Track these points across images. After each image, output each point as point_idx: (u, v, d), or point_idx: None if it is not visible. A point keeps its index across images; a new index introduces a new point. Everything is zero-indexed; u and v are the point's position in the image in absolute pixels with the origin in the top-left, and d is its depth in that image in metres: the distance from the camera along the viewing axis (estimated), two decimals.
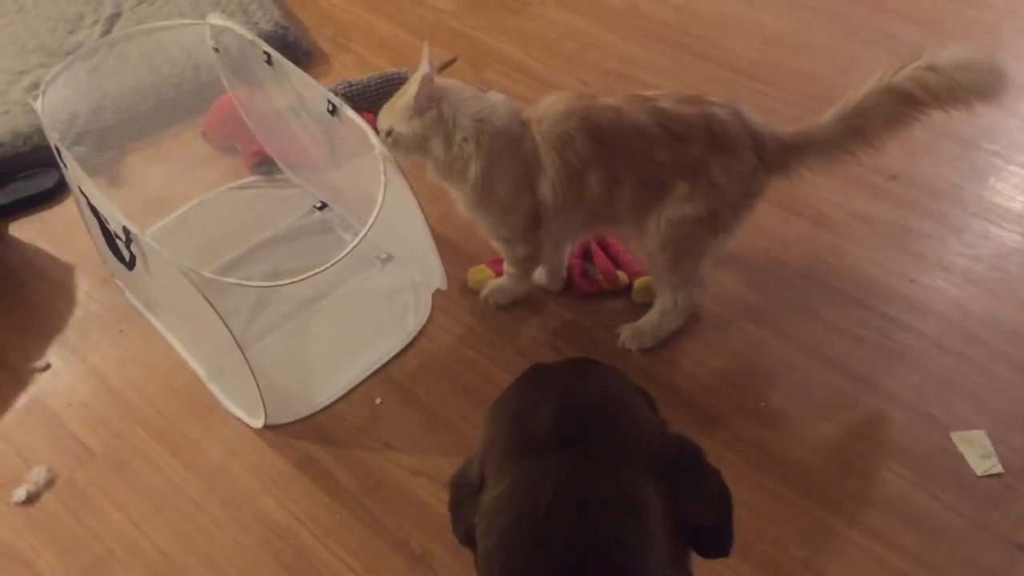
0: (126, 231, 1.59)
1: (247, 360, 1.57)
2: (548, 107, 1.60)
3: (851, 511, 1.52)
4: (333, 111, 1.73)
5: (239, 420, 1.75)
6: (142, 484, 1.68)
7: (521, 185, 1.63)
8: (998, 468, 1.56)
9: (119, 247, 1.68)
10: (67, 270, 2.08)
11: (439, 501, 1.59)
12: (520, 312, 1.89)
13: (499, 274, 1.90)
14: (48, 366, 1.90)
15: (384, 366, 1.82)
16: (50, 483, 1.70)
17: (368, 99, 2.35)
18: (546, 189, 1.61)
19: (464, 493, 1.03)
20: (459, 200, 1.72)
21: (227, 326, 1.52)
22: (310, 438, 1.72)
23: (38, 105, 1.77)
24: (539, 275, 1.89)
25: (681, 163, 1.57)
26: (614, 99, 1.59)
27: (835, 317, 1.82)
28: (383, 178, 1.60)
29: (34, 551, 1.61)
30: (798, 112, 2.26)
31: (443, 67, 2.47)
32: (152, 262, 1.63)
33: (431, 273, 1.88)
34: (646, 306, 1.82)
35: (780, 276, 1.91)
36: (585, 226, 1.73)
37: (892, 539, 1.48)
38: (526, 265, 1.81)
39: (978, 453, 1.58)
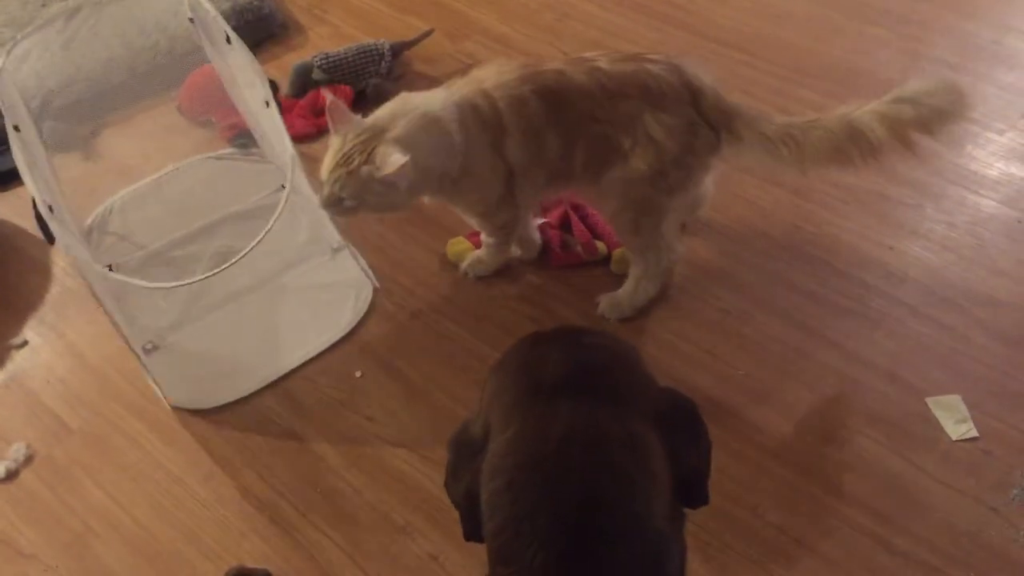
0: (50, 208, 1.58)
1: (140, 358, 1.60)
2: (500, 75, 1.63)
3: (828, 477, 1.53)
4: (268, 105, 1.72)
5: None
6: (121, 460, 1.68)
7: (493, 154, 1.64)
8: (973, 432, 1.58)
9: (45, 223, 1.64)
10: (43, 247, 2.06)
11: (420, 473, 1.60)
12: (500, 284, 1.89)
13: (477, 246, 1.90)
14: (25, 343, 1.88)
15: (334, 346, 1.81)
16: (29, 460, 1.70)
17: (345, 71, 2.33)
18: (513, 149, 1.63)
19: (464, 453, 1.06)
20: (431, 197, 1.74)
21: (125, 336, 1.58)
22: (291, 413, 1.71)
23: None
24: (513, 248, 1.89)
25: (618, 118, 1.60)
26: (557, 62, 1.64)
27: (813, 285, 1.83)
28: (288, 185, 1.65)
29: (14, 527, 1.61)
30: (777, 82, 2.27)
31: (419, 39, 2.45)
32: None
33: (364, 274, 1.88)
34: (625, 276, 1.82)
35: (758, 245, 1.91)
36: (549, 185, 1.73)
37: (868, 504, 1.50)
38: (506, 231, 1.80)
39: (954, 418, 1.59)
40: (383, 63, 2.35)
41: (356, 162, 1.53)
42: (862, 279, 1.84)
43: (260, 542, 1.54)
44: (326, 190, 1.58)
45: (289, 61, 2.45)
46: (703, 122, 1.60)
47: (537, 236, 1.90)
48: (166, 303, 1.84)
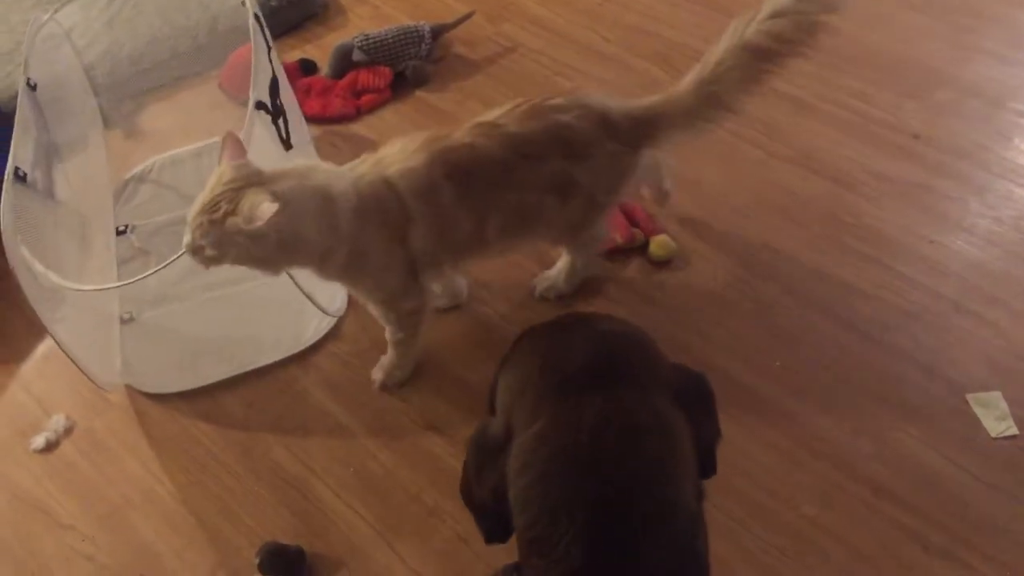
0: (22, 175, 1.61)
1: (58, 341, 1.55)
2: (405, 158, 1.50)
3: (863, 471, 1.52)
4: (258, 105, 1.66)
5: (256, 375, 1.76)
6: (159, 434, 1.70)
7: (393, 247, 1.52)
8: (1013, 430, 1.55)
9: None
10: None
11: (451, 456, 1.60)
12: (536, 271, 1.88)
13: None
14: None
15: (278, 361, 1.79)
16: (68, 431, 1.72)
17: (385, 52, 2.33)
18: (418, 238, 1.52)
19: (487, 453, 1.07)
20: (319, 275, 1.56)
21: (52, 335, 1.53)
22: (324, 393, 1.73)
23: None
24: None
25: (543, 181, 1.55)
26: (463, 133, 1.52)
27: (851, 277, 1.81)
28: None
29: (52, 497, 1.63)
30: (818, 69, 2.24)
31: (459, 21, 2.45)
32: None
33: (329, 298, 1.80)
34: (663, 263, 1.82)
35: (797, 235, 1.89)
36: (457, 262, 1.65)
37: (904, 499, 1.48)
38: (413, 320, 1.65)
39: (993, 415, 1.57)
40: (423, 45, 2.35)
41: (222, 210, 1.33)
42: (902, 272, 1.81)
43: (293, 518, 1.55)
44: (187, 236, 1.38)
45: (330, 42, 2.45)
46: (624, 148, 1.58)
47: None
48: (155, 278, 1.75)
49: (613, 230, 1.88)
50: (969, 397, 1.60)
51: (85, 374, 1.62)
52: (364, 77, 2.33)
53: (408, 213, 1.50)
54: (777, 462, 1.54)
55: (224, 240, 1.34)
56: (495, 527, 1.13)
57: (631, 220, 1.90)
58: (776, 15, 1.52)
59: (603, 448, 0.98)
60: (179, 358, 1.83)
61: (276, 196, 1.32)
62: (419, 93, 2.34)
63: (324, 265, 1.49)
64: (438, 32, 2.40)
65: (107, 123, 2.20)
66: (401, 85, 2.35)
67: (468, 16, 2.46)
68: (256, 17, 1.77)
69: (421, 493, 1.56)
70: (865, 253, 1.85)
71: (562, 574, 0.96)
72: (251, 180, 1.35)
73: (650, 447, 0.99)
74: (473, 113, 2.19)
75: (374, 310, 1.65)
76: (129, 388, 1.77)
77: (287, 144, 1.78)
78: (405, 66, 2.35)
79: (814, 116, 2.14)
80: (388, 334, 1.67)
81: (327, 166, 1.51)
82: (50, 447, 1.71)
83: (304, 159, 1.83)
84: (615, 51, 2.38)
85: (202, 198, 1.36)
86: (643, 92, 2.21)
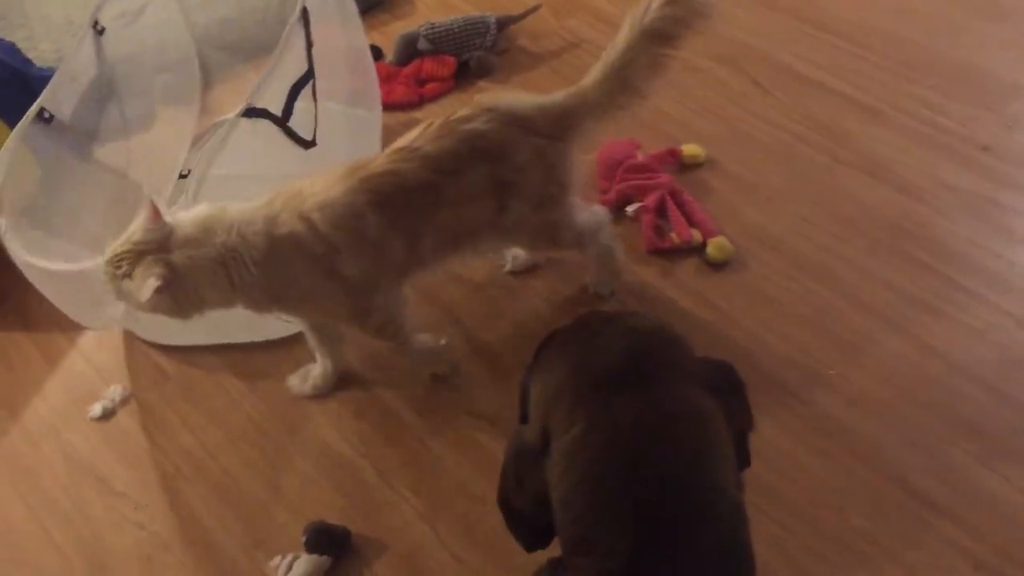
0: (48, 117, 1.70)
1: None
2: (326, 190, 1.49)
3: (917, 485, 1.49)
4: (250, 112, 1.67)
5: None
6: (213, 409, 1.73)
7: (320, 276, 1.51)
8: None
9: None
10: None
11: (499, 446, 1.58)
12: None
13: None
14: None
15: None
16: (125, 401, 1.76)
17: (450, 42, 2.34)
18: (348, 266, 1.51)
19: (526, 460, 1.08)
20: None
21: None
22: (375, 375, 1.74)
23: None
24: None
25: (474, 191, 1.54)
26: (382, 160, 1.51)
27: (912, 288, 1.77)
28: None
29: (107, 465, 1.67)
30: (887, 77, 2.20)
31: (525, 14, 2.45)
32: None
33: None
34: (721, 264, 1.80)
35: (859, 243, 1.86)
36: (396, 284, 1.62)
37: (959, 516, 1.45)
38: (390, 329, 1.64)
39: None
40: (488, 36, 2.36)
41: (122, 269, 1.41)
42: (965, 285, 1.77)
43: (341, 499, 1.57)
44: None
45: (395, 29, 2.47)
46: (546, 140, 1.56)
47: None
48: None
49: (668, 228, 1.87)
50: None
51: (63, 311, 1.70)
52: (428, 66, 2.34)
53: (332, 245, 1.48)
54: (827, 470, 1.52)
55: (123, 295, 1.44)
56: (536, 534, 1.14)
57: (690, 220, 1.89)
58: (670, 2, 1.55)
59: (642, 445, 0.99)
60: None
61: (167, 270, 1.38)
62: (482, 84, 2.35)
63: (247, 305, 1.52)
64: (504, 24, 2.41)
65: (176, 99, 2.23)
66: (464, 75, 2.36)
67: (535, 9, 2.46)
68: (304, 11, 1.77)
69: (468, 481, 1.57)
70: (929, 264, 1.81)
71: (609, 571, 0.97)
72: (153, 246, 1.41)
73: (687, 439, 1.00)
74: None
75: (349, 329, 1.68)
76: (184, 362, 1.80)
77: (306, 143, 1.79)
78: (469, 56, 2.36)
79: (883, 124, 2.10)
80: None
81: (238, 210, 1.47)
82: (107, 416, 1.74)
83: (320, 162, 1.78)
84: (681, 52, 2.36)
85: (112, 248, 1.43)
86: (707, 94, 2.22)
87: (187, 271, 1.41)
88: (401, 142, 1.54)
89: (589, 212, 1.72)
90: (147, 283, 1.37)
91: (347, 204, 1.48)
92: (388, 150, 1.54)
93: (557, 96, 1.60)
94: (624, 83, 1.58)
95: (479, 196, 1.56)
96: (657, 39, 1.57)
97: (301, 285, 1.52)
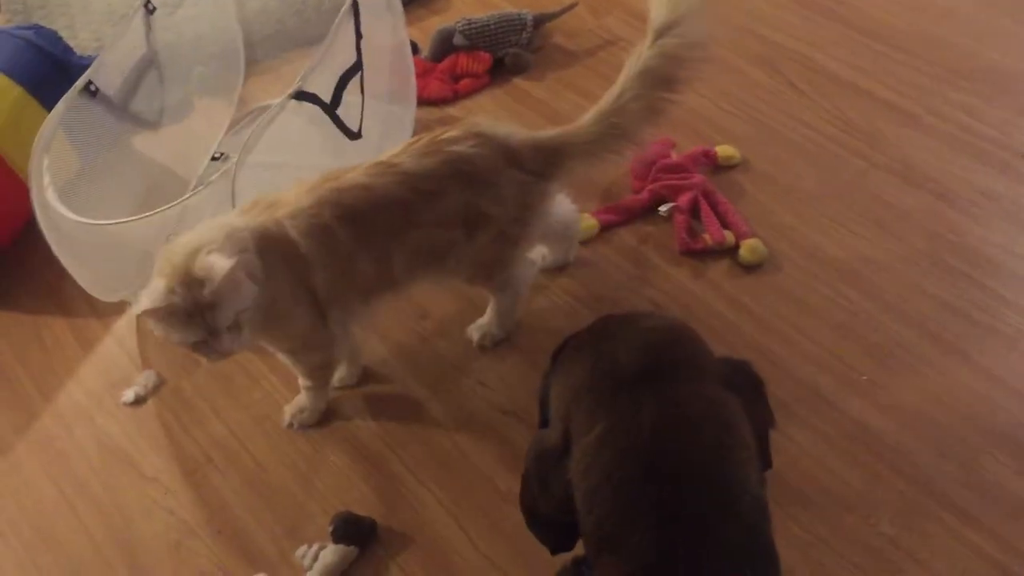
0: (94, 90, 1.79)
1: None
2: (296, 199, 1.47)
3: (949, 495, 1.48)
4: (300, 96, 1.68)
5: None
6: (244, 398, 1.74)
7: (298, 285, 1.49)
8: None
9: None
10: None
11: (526, 442, 1.59)
12: (627, 268, 1.87)
13: (603, 223, 1.89)
14: None
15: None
16: (157, 388, 1.78)
17: (486, 38, 2.35)
18: (318, 280, 1.50)
19: (548, 462, 1.09)
20: None
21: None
22: (404, 370, 1.75)
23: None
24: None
25: (449, 215, 1.52)
26: (357, 173, 1.49)
27: (949, 296, 1.75)
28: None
29: (138, 450, 1.69)
30: (929, 82, 2.18)
31: (562, 12, 2.44)
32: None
33: None
34: (754, 267, 1.80)
35: (894, 248, 1.84)
36: (365, 304, 1.60)
37: (990, 528, 1.43)
38: (324, 372, 1.65)
39: None
40: (524, 33, 2.36)
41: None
42: (1002, 295, 1.75)
43: (368, 491, 1.58)
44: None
45: (432, 24, 2.47)
46: (530, 177, 1.54)
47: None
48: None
49: (702, 229, 1.86)
50: None
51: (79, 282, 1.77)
52: (463, 61, 2.34)
53: (303, 255, 1.46)
54: (857, 477, 1.51)
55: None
56: (560, 537, 1.15)
57: (723, 222, 1.88)
58: (660, 34, 1.53)
59: (663, 443, 0.99)
60: None
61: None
62: (516, 80, 2.35)
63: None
64: (540, 21, 2.41)
65: (212, 91, 2.25)
66: (499, 72, 2.36)
67: (572, 6, 2.46)
68: (354, 2, 1.78)
69: (495, 477, 1.57)
70: (964, 271, 1.79)
71: (634, 570, 0.97)
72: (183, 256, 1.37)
73: (709, 436, 1.00)
74: (569, 103, 2.23)
75: (283, 359, 1.63)
76: None
77: (353, 134, 1.79)
78: (505, 53, 2.36)
79: (920, 128, 2.08)
80: (300, 380, 1.66)
81: (223, 223, 1.44)
82: (139, 401, 1.76)
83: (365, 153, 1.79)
84: (719, 52, 2.34)
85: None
86: (742, 94, 2.20)
87: (165, 286, 1.35)
88: (380, 157, 1.52)
89: (526, 262, 1.70)
90: (219, 263, 1.32)
91: (315, 215, 1.46)
92: (366, 164, 1.51)
93: (549, 133, 1.58)
94: (616, 128, 1.56)
95: (453, 221, 1.53)
96: (654, 81, 1.54)
97: (284, 292, 1.48)
